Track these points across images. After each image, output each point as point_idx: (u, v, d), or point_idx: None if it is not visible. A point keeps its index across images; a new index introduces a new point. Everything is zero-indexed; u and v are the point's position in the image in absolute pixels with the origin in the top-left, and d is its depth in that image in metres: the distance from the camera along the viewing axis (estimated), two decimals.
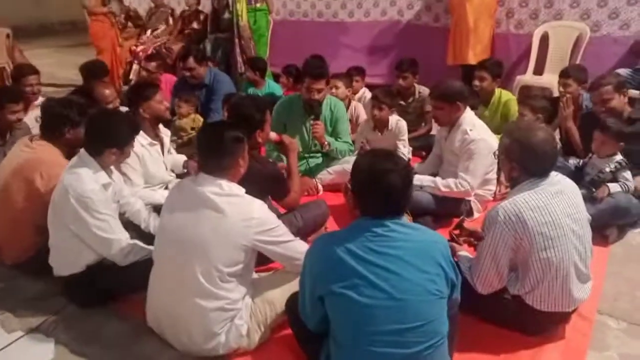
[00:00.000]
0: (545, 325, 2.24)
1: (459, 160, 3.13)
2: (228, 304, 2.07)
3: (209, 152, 2.14)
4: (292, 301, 2.05)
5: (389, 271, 1.63)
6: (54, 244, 2.48)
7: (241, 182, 2.19)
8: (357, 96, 4.83)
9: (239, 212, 2.04)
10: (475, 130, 3.09)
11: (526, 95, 3.85)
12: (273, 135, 2.95)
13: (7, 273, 2.81)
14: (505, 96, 4.06)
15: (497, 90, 4.10)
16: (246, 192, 2.15)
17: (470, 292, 2.19)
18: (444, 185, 3.12)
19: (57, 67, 8.64)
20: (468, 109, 3.17)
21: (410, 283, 1.63)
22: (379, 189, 1.68)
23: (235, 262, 2.04)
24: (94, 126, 2.44)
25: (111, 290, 2.51)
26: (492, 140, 3.11)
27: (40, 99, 4.22)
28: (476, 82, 4.02)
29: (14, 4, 12.15)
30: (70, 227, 2.36)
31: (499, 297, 2.21)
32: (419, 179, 3.11)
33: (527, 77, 5.21)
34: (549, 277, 2.08)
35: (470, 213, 3.21)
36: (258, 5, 5.97)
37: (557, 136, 3.87)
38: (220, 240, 2.00)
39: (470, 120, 3.14)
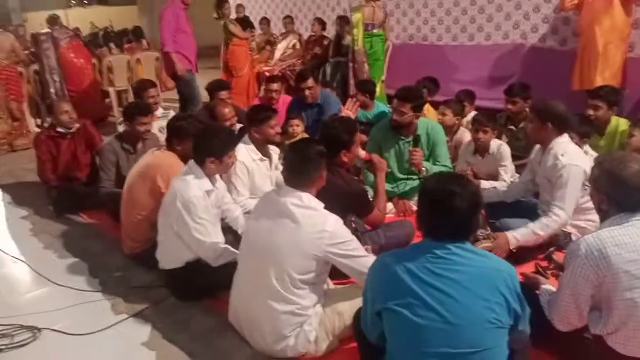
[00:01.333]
0: None
1: (552, 186, 2.96)
2: (298, 309, 2.20)
3: (292, 166, 2.31)
4: (360, 314, 2.11)
5: (445, 294, 1.62)
6: (161, 240, 2.82)
7: (324, 198, 2.32)
8: (465, 120, 4.76)
9: (313, 224, 2.17)
10: (567, 155, 2.89)
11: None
12: (362, 153, 3.05)
13: (124, 262, 3.24)
14: (624, 125, 3.75)
15: (614, 119, 3.80)
16: (328, 207, 2.27)
17: (549, 328, 2.08)
18: (539, 228, 2.87)
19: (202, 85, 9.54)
20: (565, 135, 2.99)
21: (466, 308, 1.61)
22: (441, 211, 1.69)
23: (307, 270, 2.17)
24: (196, 139, 2.76)
25: (205, 286, 2.77)
26: (587, 165, 2.91)
27: (161, 110, 4.78)
28: (590, 112, 3.76)
29: None
30: (174, 226, 2.67)
31: (579, 336, 2.07)
32: (513, 237, 2.87)
33: None
34: (635, 319, 1.90)
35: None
36: (375, 31, 6.16)
37: None
38: (293, 249, 2.14)
39: (563, 146, 2.95)
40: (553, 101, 3.08)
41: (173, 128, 3.18)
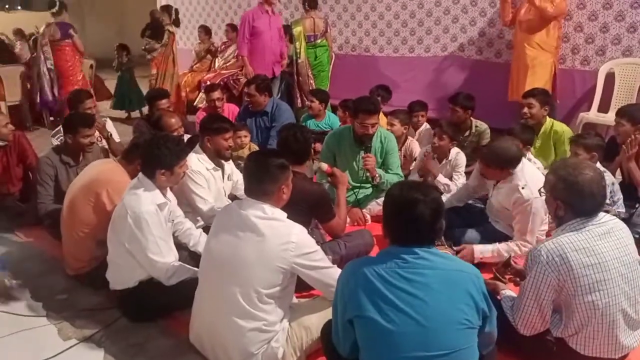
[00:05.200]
0: None
1: (508, 214, 3.06)
2: (265, 325, 2.13)
3: (254, 178, 2.24)
4: (327, 328, 2.08)
5: (416, 297, 1.64)
6: (111, 259, 2.66)
7: (287, 202, 2.28)
8: (419, 130, 4.86)
9: (278, 235, 2.11)
10: (528, 188, 2.92)
11: (579, 134, 3.74)
12: (324, 166, 3.05)
13: (69, 284, 3.02)
14: (558, 126, 4.04)
15: (549, 120, 4.07)
16: (292, 212, 2.23)
17: (512, 332, 2.14)
18: (505, 251, 2.98)
19: None
20: (520, 164, 3.02)
21: (437, 310, 1.64)
22: (406, 218, 1.71)
23: (273, 284, 2.11)
24: (144, 150, 2.64)
25: (161, 306, 2.64)
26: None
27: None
28: (525, 110, 4.01)
29: (99, 36, 13.25)
30: (125, 244, 2.53)
31: (541, 339, 2.14)
32: (479, 251, 3.00)
33: (591, 115, 5.05)
34: (594, 321, 1.99)
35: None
36: (319, 41, 6.21)
37: (620, 176, 3.73)
38: (259, 263, 2.08)
39: (520, 175, 2.99)
40: (503, 144, 3.06)
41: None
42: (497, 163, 3.03)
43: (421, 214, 1.68)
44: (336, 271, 2.23)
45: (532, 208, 2.91)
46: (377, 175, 3.75)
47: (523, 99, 4.13)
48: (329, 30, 6.42)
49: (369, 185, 3.88)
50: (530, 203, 2.91)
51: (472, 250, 2.99)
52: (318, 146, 4.37)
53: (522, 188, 2.93)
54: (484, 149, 3.27)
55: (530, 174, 3.04)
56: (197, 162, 3.21)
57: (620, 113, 3.65)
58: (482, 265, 2.95)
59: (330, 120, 5.31)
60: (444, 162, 3.87)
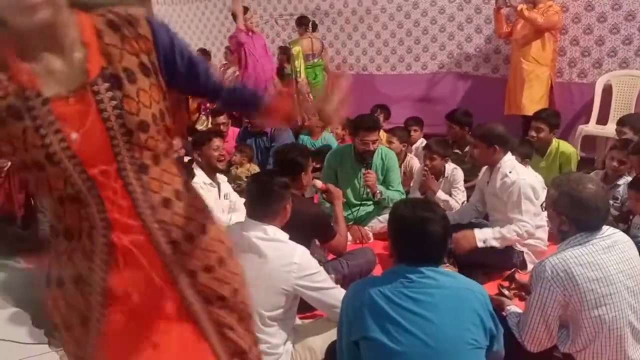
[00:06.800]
0: None
1: (503, 204, 3.07)
2: (269, 348, 2.10)
3: (256, 199, 2.24)
4: (332, 349, 2.06)
5: (423, 318, 1.63)
6: None
7: (286, 226, 2.27)
8: (414, 146, 4.87)
9: (280, 256, 2.10)
10: (515, 172, 3.05)
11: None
12: (319, 183, 3.06)
13: None
14: (564, 147, 3.99)
15: (555, 141, 4.02)
16: (292, 237, 2.22)
17: (519, 349, 2.11)
18: (506, 231, 2.98)
19: None
20: (509, 154, 3.14)
21: (444, 331, 1.62)
22: (418, 237, 1.71)
23: (276, 306, 2.09)
24: None
25: None
26: (533, 180, 3.10)
27: None
28: (533, 133, 3.97)
29: None
30: None
31: (549, 355, 2.12)
32: (481, 236, 2.98)
33: (590, 127, 5.06)
34: (602, 336, 1.97)
35: (523, 265, 3.10)
36: (316, 60, 6.26)
37: None
38: (262, 285, 2.06)
39: (510, 164, 3.11)
40: (492, 124, 3.24)
41: None
42: (485, 139, 3.13)
43: (432, 232, 1.68)
44: (340, 292, 2.22)
45: (520, 189, 2.97)
46: (377, 191, 3.75)
47: (533, 120, 4.08)
48: (324, 50, 6.46)
49: (370, 202, 3.88)
50: (517, 184, 2.98)
51: (472, 233, 2.97)
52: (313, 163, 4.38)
53: (509, 172, 3.04)
54: (474, 129, 3.33)
55: (520, 166, 3.16)
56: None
57: (621, 122, 3.68)
58: (485, 280, 2.93)
59: (326, 140, 5.32)
60: (441, 179, 3.86)
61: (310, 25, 6.32)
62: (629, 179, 3.37)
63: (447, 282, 1.71)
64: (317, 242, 2.91)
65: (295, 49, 6.19)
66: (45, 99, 1.09)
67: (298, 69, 6.18)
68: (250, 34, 6.02)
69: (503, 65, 5.88)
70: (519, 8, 4.93)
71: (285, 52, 6.88)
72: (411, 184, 4.13)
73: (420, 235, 1.70)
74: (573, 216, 2.06)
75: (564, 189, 2.10)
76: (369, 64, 7.09)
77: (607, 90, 5.14)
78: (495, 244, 2.98)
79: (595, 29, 5.19)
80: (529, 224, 2.97)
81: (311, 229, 2.69)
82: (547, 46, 5.06)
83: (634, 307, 2.00)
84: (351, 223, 3.71)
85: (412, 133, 4.88)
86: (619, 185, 3.40)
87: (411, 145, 4.85)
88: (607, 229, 2.08)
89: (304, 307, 2.35)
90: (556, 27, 5.04)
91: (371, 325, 1.66)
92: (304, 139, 5.30)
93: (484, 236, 2.98)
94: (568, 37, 5.34)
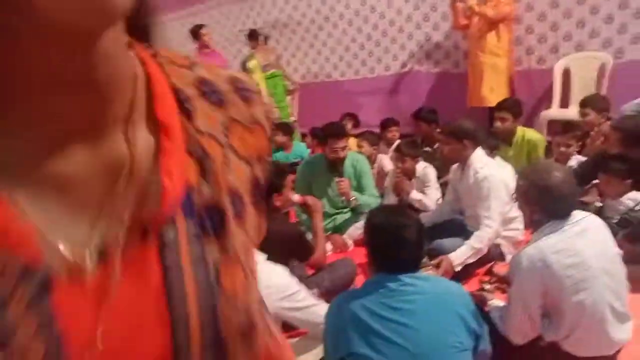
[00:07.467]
0: None
1: (477, 199, 3.09)
2: None
3: None
4: None
5: (405, 326, 1.63)
6: None
7: (263, 247, 2.23)
8: (392, 147, 4.88)
9: (259, 280, 2.06)
10: (486, 167, 3.07)
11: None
12: (296, 197, 3.03)
13: None
14: (530, 135, 4.04)
15: (520, 129, 4.08)
16: (269, 257, 2.18)
17: (504, 342, 2.11)
18: (475, 242, 2.94)
19: None
20: (479, 149, 3.16)
21: (427, 336, 1.62)
22: (394, 245, 1.70)
23: None
24: None
25: None
26: (504, 174, 3.11)
27: None
28: (498, 124, 4.01)
29: None
30: None
31: (534, 345, 2.12)
32: (456, 257, 2.90)
33: (553, 112, 5.15)
34: (584, 320, 1.98)
35: (502, 257, 3.12)
36: (274, 71, 6.26)
37: None
38: None
39: (480, 159, 3.13)
40: (461, 120, 3.27)
41: None
42: (454, 135, 3.14)
43: (409, 238, 1.70)
44: (322, 307, 2.18)
45: (490, 184, 2.98)
46: (352, 198, 3.75)
47: (496, 112, 4.11)
48: (280, 58, 6.47)
49: (347, 210, 3.87)
50: (487, 179, 2.99)
51: (449, 260, 2.91)
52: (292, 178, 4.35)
53: (480, 167, 3.05)
54: (443, 126, 3.41)
55: (490, 160, 3.18)
56: None
57: (583, 103, 3.75)
58: (465, 278, 2.93)
59: (299, 150, 5.31)
60: (413, 180, 3.88)
61: (261, 38, 6.31)
62: (579, 157, 3.47)
63: (427, 287, 1.71)
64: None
65: (252, 63, 6.18)
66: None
67: (257, 83, 6.16)
68: (207, 51, 6.00)
69: (463, 60, 5.95)
70: (469, 4, 5.01)
71: (244, 69, 6.87)
72: (385, 186, 4.13)
73: (396, 242, 1.71)
74: (543, 205, 2.09)
75: (532, 179, 2.13)
76: (333, 71, 7.12)
77: (567, 74, 5.24)
78: (472, 260, 2.96)
79: (549, 15, 5.29)
80: (494, 222, 2.96)
81: (287, 251, 2.65)
82: (502, 37, 5.14)
83: (611, 288, 2.02)
84: (329, 232, 3.69)
85: (394, 134, 4.91)
86: (572, 167, 3.50)
87: (389, 147, 4.86)
88: (577, 214, 2.11)
89: (288, 326, 2.31)
90: (509, 17, 5.12)
91: (356, 340, 1.65)
92: (278, 156, 5.28)
93: (460, 259, 2.92)
94: (523, 26, 5.44)
